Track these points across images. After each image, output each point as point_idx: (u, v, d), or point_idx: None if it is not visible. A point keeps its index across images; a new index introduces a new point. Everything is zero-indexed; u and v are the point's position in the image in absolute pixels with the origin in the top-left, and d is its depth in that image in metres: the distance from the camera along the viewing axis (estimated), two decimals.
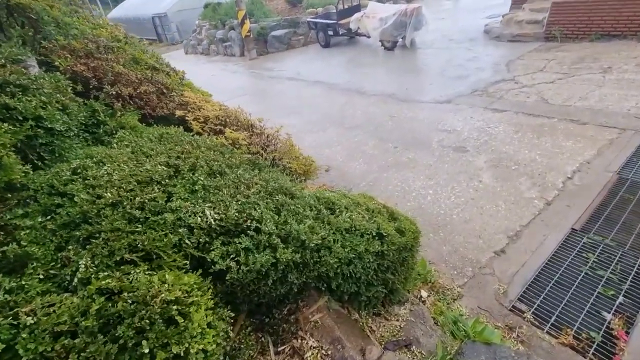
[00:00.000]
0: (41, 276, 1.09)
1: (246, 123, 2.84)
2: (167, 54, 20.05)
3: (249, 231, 1.63)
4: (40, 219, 1.28)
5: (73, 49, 2.47)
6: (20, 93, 1.57)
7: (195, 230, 1.50)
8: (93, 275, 1.12)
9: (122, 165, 1.62)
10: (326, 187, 4.24)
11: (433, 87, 7.21)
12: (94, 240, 1.25)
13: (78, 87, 2.36)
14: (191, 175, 1.76)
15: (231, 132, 2.54)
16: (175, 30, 23.32)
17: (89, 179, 1.48)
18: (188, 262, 1.38)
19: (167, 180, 1.69)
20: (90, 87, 2.38)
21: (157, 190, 1.58)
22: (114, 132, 2.02)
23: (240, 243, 1.56)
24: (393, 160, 4.75)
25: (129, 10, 28.27)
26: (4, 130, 1.33)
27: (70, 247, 1.23)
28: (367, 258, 1.83)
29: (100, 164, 1.61)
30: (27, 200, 1.34)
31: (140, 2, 27.99)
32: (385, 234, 1.95)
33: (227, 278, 1.51)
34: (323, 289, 1.92)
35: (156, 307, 1.04)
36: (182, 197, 1.62)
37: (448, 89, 6.84)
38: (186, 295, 1.18)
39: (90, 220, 1.33)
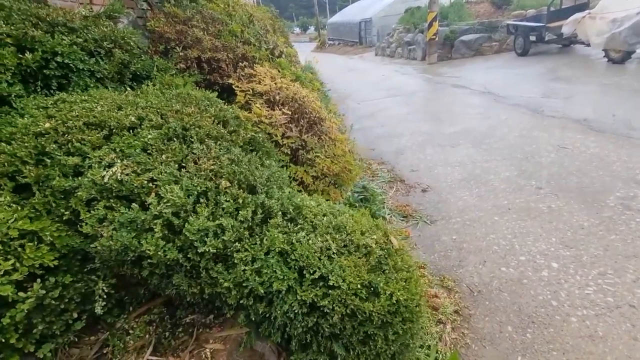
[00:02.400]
0: None
1: (297, 103, 2.51)
2: (360, 55, 21.65)
3: (148, 206, 1.35)
4: None
5: (173, 14, 2.83)
6: (63, 34, 1.85)
7: (88, 183, 1.35)
8: None
9: (91, 105, 1.67)
10: (399, 205, 3.40)
11: None
12: None
13: (161, 47, 2.67)
14: (148, 132, 1.63)
15: (258, 108, 2.28)
16: (375, 34, 24.81)
17: (50, 109, 1.59)
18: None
19: (123, 132, 1.62)
20: (169, 47, 2.66)
21: (95, 136, 1.52)
22: (144, 83, 2.15)
23: (123, 214, 1.31)
24: (522, 203, 3.28)
25: (343, 16, 32.22)
26: (8, 52, 1.57)
27: None
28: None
29: (83, 102, 1.72)
30: None
31: (356, 9, 31.34)
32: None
33: (92, 245, 1.29)
34: (229, 316, 1.43)
35: None
36: (116, 149, 1.50)
37: None
38: None
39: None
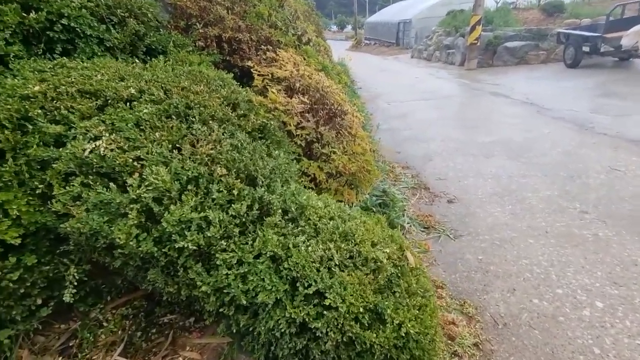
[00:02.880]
0: None
1: (318, 93, 2.29)
2: (396, 56, 21.15)
3: (128, 188, 1.18)
4: None
5: None
6: None
7: (68, 155, 1.20)
8: None
9: (91, 73, 1.53)
10: (421, 215, 3.12)
11: None
12: None
13: (181, 23, 2.53)
14: (145, 106, 1.47)
15: (273, 93, 2.08)
16: (413, 36, 24.15)
17: (47, 72, 1.46)
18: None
19: (119, 104, 1.47)
20: (190, 24, 2.51)
21: (87, 105, 1.38)
22: (158, 59, 2.00)
23: (99, 193, 1.15)
24: (562, 228, 2.90)
25: (382, 15, 31.65)
26: (10, 9, 1.46)
27: None
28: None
29: (84, 69, 1.59)
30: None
31: (396, 9, 30.68)
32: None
33: (62, 226, 1.14)
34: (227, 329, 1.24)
35: None
36: (106, 121, 1.35)
37: None
38: None
39: None
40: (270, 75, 2.37)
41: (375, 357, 1.11)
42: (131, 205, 1.11)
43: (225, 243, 1.17)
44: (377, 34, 30.20)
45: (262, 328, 1.13)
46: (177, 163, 1.28)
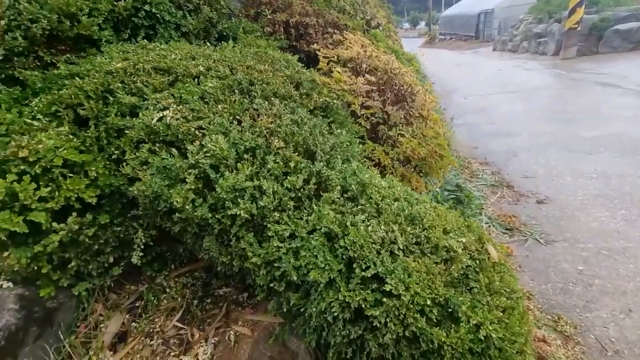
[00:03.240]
0: None
1: (386, 75, 2.13)
2: (475, 50, 19.54)
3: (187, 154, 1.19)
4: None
5: None
6: None
7: (139, 124, 1.25)
8: None
9: (166, 53, 1.61)
10: (503, 215, 2.73)
11: None
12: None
13: (252, 11, 2.59)
14: (210, 81, 1.49)
15: (338, 73, 1.98)
16: (495, 27, 22.04)
17: (129, 53, 1.58)
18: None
19: (187, 79, 1.52)
20: (259, 11, 2.56)
21: (160, 80, 1.44)
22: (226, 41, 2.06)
23: (163, 159, 1.17)
24: None
25: (460, 7, 29.51)
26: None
27: None
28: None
29: (161, 50, 1.68)
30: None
31: (475, 0, 28.34)
32: None
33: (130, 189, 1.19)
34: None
35: None
36: (175, 95, 1.40)
37: None
38: None
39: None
40: (336, 57, 2.28)
41: None
42: (189, 171, 1.11)
43: (278, 215, 1.10)
44: (453, 27, 28.26)
45: (314, 310, 1.02)
46: (235, 133, 1.25)
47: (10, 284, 1.14)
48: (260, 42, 2.26)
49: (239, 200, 1.07)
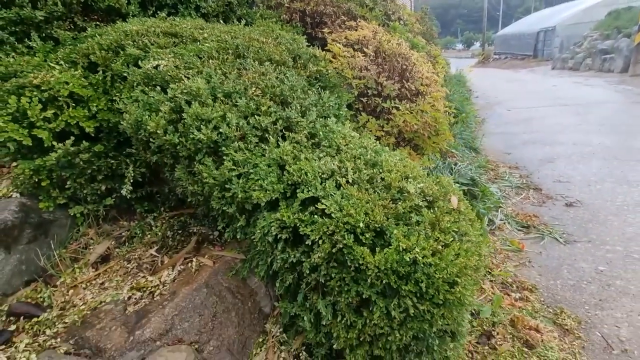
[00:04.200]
0: None
1: (394, 59, 2.16)
2: (532, 68, 18.48)
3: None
4: None
5: None
6: None
7: (138, 71, 1.43)
8: None
9: (178, 23, 1.81)
10: (523, 214, 2.55)
11: None
12: None
13: (272, 1, 2.78)
14: (208, 43, 1.65)
15: (338, 48, 2.04)
16: (556, 46, 20.72)
17: (147, 21, 1.80)
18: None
19: (189, 42, 1.69)
20: (279, 2, 2.74)
21: (164, 40, 1.63)
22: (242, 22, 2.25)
23: (149, 96, 1.32)
24: None
25: (515, 27, 28.31)
26: None
27: None
28: None
29: (174, 21, 1.89)
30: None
31: (534, 19, 27.03)
32: None
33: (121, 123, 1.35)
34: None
35: None
36: (175, 52, 1.57)
37: None
38: None
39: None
40: (344, 39, 2.35)
41: (370, 282, 0.89)
42: (166, 103, 1.24)
43: (240, 145, 1.17)
44: (509, 47, 27.04)
45: (258, 232, 1.06)
46: (216, 80, 1.37)
47: (18, 195, 1.34)
48: (275, 26, 2.41)
49: (202, 127, 1.16)
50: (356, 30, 2.54)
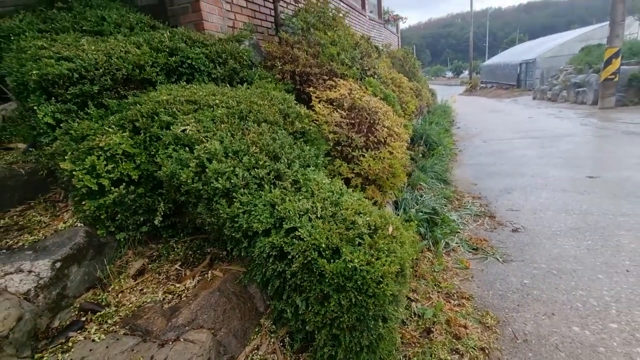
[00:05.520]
0: None
1: (364, 112, 2.76)
2: (514, 98, 19.59)
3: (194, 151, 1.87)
4: None
5: (285, 39, 3.56)
6: (199, 47, 2.73)
7: (169, 133, 1.98)
8: None
9: (196, 91, 2.39)
10: (476, 238, 3.08)
11: None
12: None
13: (268, 62, 3.42)
14: (220, 110, 2.22)
15: (320, 108, 2.64)
16: (537, 77, 22.07)
17: (173, 91, 2.38)
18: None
19: (206, 108, 2.26)
20: (273, 64, 3.37)
21: (187, 107, 2.20)
22: (243, 84, 2.85)
23: (180, 154, 1.86)
24: None
25: (501, 58, 29.97)
26: (162, 56, 2.48)
27: None
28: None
29: (193, 89, 2.47)
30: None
31: (519, 50, 28.72)
32: None
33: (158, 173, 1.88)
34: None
35: None
36: (195, 117, 2.13)
37: None
38: None
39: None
40: (325, 97, 2.96)
41: (328, 281, 1.40)
42: (193, 160, 1.78)
43: (244, 190, 1.70)
44: (495, 77, 28.60)
45: (256, 251, 1.57)
46: (227, 141, 1.92)
47: (82, 225, 1.85)
48: (269, 85, 3.02)
49: (219, 178, 1.70)
50: (335, 87, 3.16)
